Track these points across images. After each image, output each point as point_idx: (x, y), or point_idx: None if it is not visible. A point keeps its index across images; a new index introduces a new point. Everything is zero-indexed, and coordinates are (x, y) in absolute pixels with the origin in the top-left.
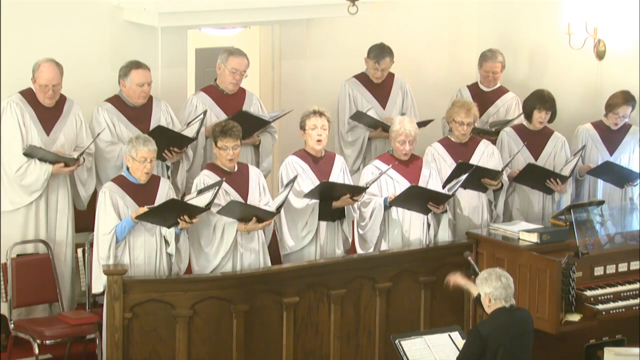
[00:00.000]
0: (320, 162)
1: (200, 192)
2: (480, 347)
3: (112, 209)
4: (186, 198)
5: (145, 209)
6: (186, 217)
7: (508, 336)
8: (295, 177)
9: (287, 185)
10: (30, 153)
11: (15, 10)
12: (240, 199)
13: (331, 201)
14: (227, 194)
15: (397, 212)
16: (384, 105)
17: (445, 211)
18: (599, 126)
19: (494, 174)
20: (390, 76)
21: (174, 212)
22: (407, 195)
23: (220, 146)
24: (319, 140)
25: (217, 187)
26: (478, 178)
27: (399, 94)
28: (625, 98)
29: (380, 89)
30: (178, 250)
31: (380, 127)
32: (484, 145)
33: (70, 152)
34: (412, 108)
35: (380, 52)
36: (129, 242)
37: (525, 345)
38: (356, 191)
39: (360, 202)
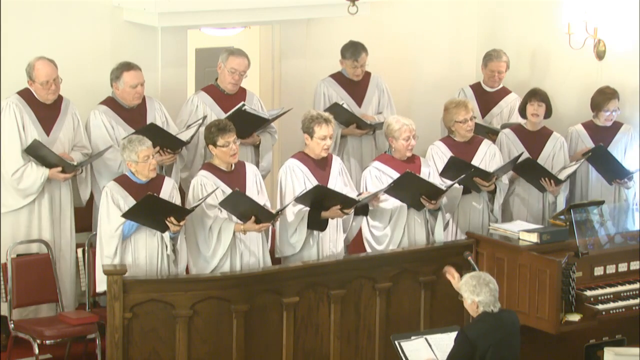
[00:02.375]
0: (320, 165)
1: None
2: (468, 351)
3: (116, 208)
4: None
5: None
6: (173, 220)
7: (496, 338)
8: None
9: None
10: (34, 147)
11: (15, 11)
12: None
13: (321, 210)
14: (224, 193)
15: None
16: (359, 104)
17: (439, 209)
18: (589, 126)
19: (485, 175)
20: (367, 75)
21: (159, 213)
22: (401, 182)
23: (222, 144)
24: (326, 149)
25: (210, 193)
26: (470, 176)
27: (375, 93)
28: (610, 92)
29: (357, 88)
30: (177, 251)
31: (355, 124)
32: (486, 146)
33: (69, 151)
34: (389, 105)
35: (355, 50)
36: (131, 242)
37: (513, 346)
38: (347, 202)
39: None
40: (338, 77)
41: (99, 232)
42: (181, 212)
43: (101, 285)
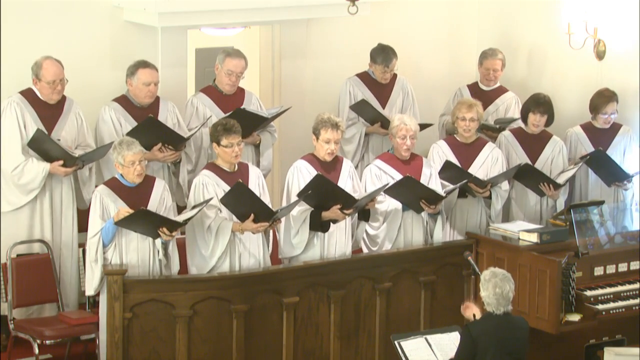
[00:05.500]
0: (328, 167)
1: (194, 207)
2: (472, 348)
3: (100, 213)
4: (182, 213)
5: (125, 212)
6: (165, 230)
7: (497, 339)
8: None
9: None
10: (38, 139)
11: (15, 11)
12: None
13: (322, 210)
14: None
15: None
16: (384, 105)
17: (439, 213)
18: (587, 128)
19: (478, 182)
20: (393, 76)
21: (152, 223)
22: (400, 185)
23: (225, 144)
24: (330, 153)
25: (204, 204)
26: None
27: (400, 95)
28: (608, 95)
29: (382, 89)
30: (168, 256)
31: (380, 122)
32: (489, 149)
33: (72, 151)
34: (413, 108)
35: (386, 55)
36: (121, 245)
37: (517, 352)
38: (346, 200)
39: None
40: (364, 77)
41: (88, 235)
42: (173, 225)
43: (89, 288)
